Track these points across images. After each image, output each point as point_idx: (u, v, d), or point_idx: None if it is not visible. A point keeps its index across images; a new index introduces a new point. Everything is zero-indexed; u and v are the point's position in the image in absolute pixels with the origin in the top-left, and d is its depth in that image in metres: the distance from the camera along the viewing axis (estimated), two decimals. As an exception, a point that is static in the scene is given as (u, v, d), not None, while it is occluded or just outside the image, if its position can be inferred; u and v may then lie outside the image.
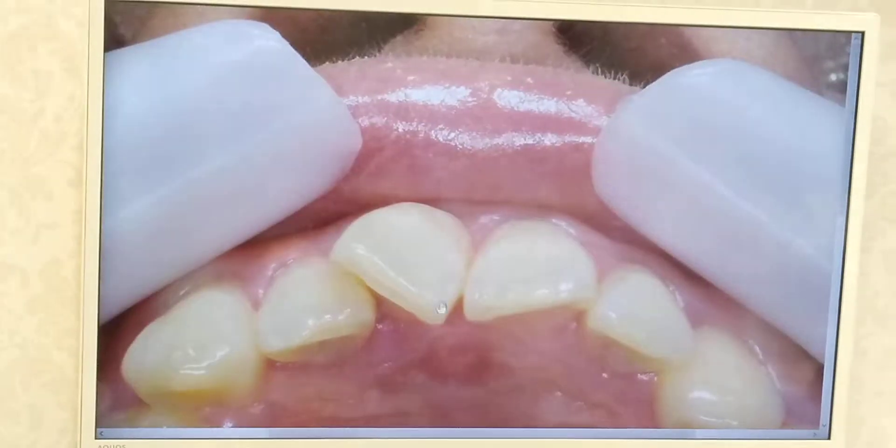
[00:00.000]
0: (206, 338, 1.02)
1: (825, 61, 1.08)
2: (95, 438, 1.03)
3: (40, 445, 1.14)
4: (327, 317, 1.02)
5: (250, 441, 1.05)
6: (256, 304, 1.03)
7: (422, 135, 1.03)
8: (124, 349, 1.03)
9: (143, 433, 1.04)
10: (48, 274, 1.11)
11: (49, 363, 1.12)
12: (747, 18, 1.06)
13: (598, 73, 1.05)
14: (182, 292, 1.03)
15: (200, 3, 1.01)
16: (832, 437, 1.11)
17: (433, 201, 1.04)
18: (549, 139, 1.04)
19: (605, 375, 1.07)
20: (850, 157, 1.08)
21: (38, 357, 1.12)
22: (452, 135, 1.03)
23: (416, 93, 1.03)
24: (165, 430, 1.04)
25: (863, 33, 1.07)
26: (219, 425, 1.04)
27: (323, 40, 1.02)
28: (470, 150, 1.03)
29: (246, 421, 1.04)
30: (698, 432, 1.09)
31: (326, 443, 1.06)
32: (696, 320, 1.08)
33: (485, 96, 1.03)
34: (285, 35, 1.01)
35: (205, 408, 1.04)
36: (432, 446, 1.07)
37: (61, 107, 1.10)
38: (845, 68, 1.08)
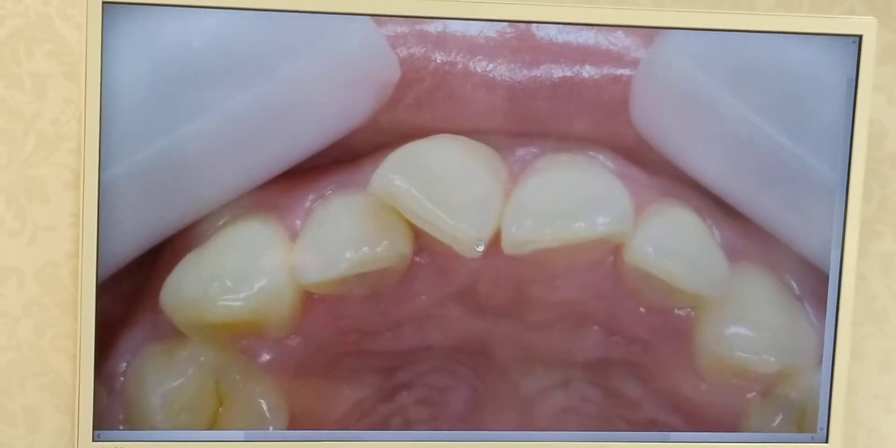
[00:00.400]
0: (243, 269, 1.02)
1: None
2: (93, 441, 1.04)
3: (37, 447, 1.14)
4: (365, 249, 1.02)
5: (246, 443, 1.05)
6: (294, 236, 1.03)
7: (460, 66, 1.02)
8: (162, 280, 1.02)
9: (139, 435, 1.04)
10: (45, 276, 1.11)
11: (46, 365, 1.12)
12: (746, 22, 1.05)
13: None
14: (220, 223, 1.03)
15: (198, 6, 1.00)
16: (830, 440, 1.11)
17: (471, 133, 1.04)
18: (588, 71, 1.03)
19: (642, 310, 1.07)
20: (847, 161, 1.07)
21: (34, 359, 1.12)
22: (490, 66, 1.03)
23: (455, 23, 1.02)
24: (162, 433, 1.04)
25: (860, 37, 1.06)
26: (256, 357, 1.04)
27: (362, -32, 1.02)
28: (508, 81, 1.03)
29: (283, 353, 1.04)
30: (704, 435, 1.09)
31: (320, 445, 1.06)
32: (733, 255, 1.07)
33: (523, 27, 1.03)
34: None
35: (242, 339, 1.04)
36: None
37: (59, 109, 1.09)
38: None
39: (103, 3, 0.99)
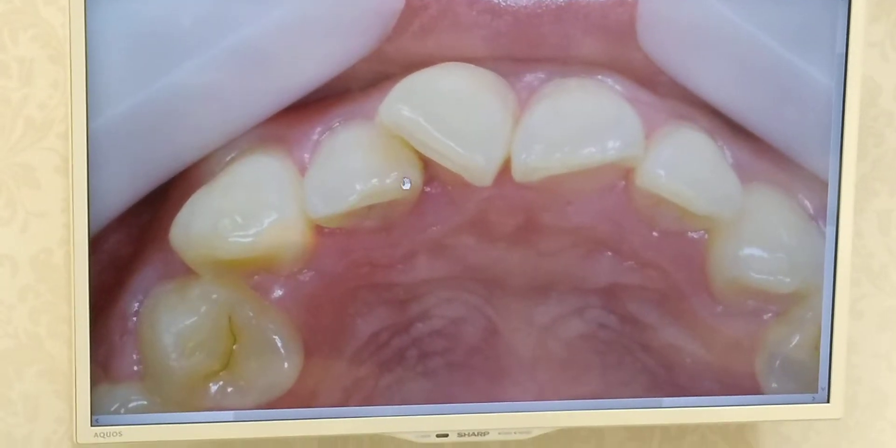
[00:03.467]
0: (252, 205, 1.01)
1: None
2: (91, 426, 1.03)
3: (37, 435, 1.13)
4: (374, 181, 1.01)
5: (245, 424, 1.04)
6: (303, 169, 1.02)
7: (464, -8, 1.01)
8: (171, 218, 1.01)
9: (138, 419, 1.03)
10: (38, 262, 1.10)
11: (43, 352, 1.12)
12: None
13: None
14: (227, 158, 1.02)
15: None
16: (831, 400, 1.11)
17: (477, 60, 1.03)
18: (593, -6, 1.02)
19: (655, 234, 1.06)
20: (840, 120, 1.06)
21: (31, 346, 1.11)
22: (495, -8, 1.01)
23: (457, -52, 1.01)
24: (160, 416, 1.04)
25: None
26: (269, 293, 1.03)
27: None
28: (513, 6, 1.02)
29: (295, 288, 1.03)
30: (698, 400, 1.10)
31: (308, 423, 1.06)
32: (745, 176, 1.07)
33: (527, -48, 1.01)
34: None
35: (254, 275, 1.03)
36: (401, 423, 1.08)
37: (46, 94, 1.08)
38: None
39: (86, -16, 0.97)
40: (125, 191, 1.00)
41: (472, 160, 1.00)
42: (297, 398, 1.05)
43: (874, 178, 1.19)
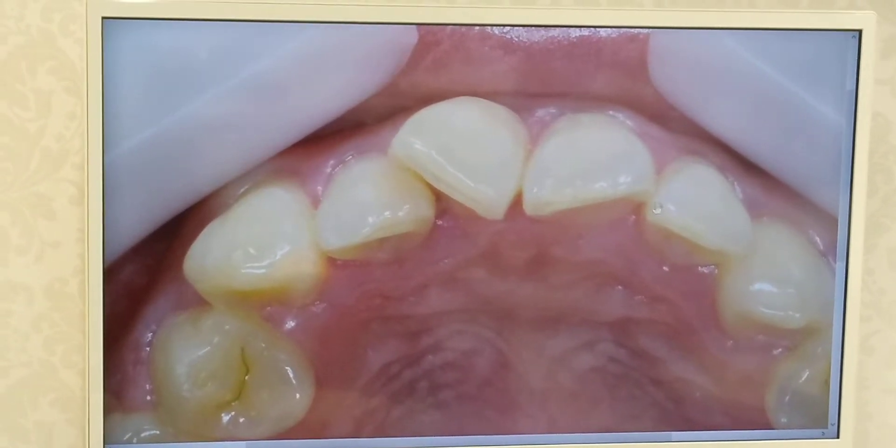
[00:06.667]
0: (266, 236, 1.02)
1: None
2: None
3: None
4: (387, 213, 1.02)
5: None
6: (316, 202, 1.03)
7: (477, 28, 1.02)
8: (185, 249, 1.02)
9: None
10: (53, 292, 1.11)
11: (56, 381, 1.12)
12: (744, 19, 1.04)
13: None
14: (241, 190, 1.03)
15: (198, 20, 1.00)
16: (841, 436, 1.11)
17: (490, 95, 1.03)
18: (605, 30, 1.03)
19: (665, 269, 1.07)
20: (850, 156, 1.06)
21: (45, 375, 1.12)
22: (507, 27, 1.02)
23: (471, -15, 1.02)
24: (173, 446, 1.04)
25: (860, 31, 1.05)
26: (281, 324, 1.04)
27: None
28: (525, 42, 1.03)
29: (307, 320, 1.04)
30: (708, 434, 1.09)
31: None
32: (755, 212, 1.07)
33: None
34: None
35: (266, 307, 1.04)
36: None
37: (62, 125, 1.09)
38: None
39: (103, 18, 0.98)
40: (140, 221, 1.01)
41: (484, 194, 1.01)
42: (308, 429, 1.05)
43: (884, 215, 1.19)
